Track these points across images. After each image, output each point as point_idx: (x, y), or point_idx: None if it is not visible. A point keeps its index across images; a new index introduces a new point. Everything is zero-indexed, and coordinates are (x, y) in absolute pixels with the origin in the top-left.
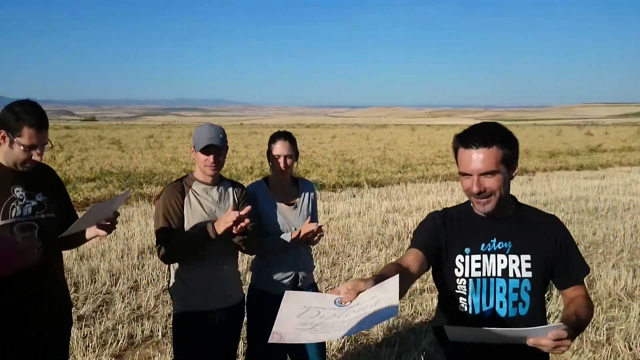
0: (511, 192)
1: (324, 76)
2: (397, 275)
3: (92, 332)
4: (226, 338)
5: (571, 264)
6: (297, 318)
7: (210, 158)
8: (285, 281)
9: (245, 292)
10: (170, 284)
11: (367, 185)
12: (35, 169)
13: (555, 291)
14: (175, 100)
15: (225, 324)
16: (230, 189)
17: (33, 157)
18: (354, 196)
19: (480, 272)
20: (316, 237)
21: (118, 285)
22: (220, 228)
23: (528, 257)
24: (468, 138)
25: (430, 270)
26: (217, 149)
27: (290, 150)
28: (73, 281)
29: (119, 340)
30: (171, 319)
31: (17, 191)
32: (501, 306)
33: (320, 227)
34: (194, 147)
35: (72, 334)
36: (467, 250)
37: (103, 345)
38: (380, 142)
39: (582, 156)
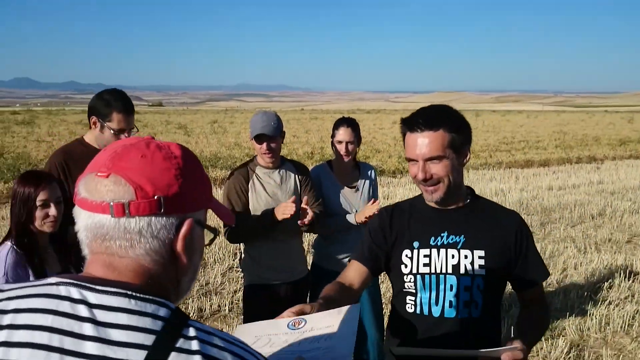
0: (577, 179)
1: (385, 61)
2: (358, 307)
3: None
4: None
5: (530, 264)
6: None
7: (264, 146)
8: (345, 260)
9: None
10: (241, 259)
11: None
12: None
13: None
14: (238, 86)
15: (291, 297)
16: (292, 172)
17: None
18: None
19: (428, 267)
20: None
21: None
22: (278, 217)
23: (482, 252)
24: (413, 121)
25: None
26: (268, 137)
27: (352, 136)
28: None
29: (189, 313)
30: (237, 295)
31: None
32: (451, 306)
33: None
34: (250, 136)
35: None
36: (415, 244)
37: None
38: None
39: None
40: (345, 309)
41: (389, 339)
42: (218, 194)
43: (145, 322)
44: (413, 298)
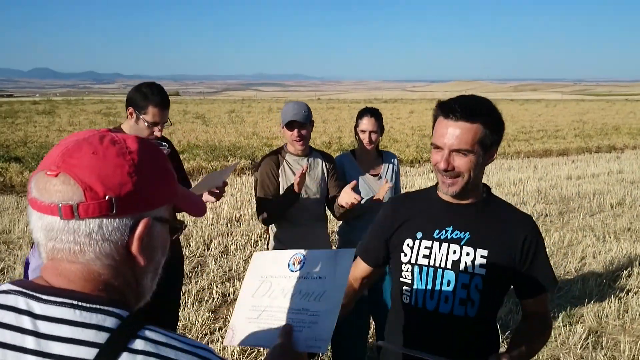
0: (596, 169)
1: (402, 50)
2: (352, 254)
3: (190, 290)
4: None
5: (536, 272)
6: (252, 299)
7: (295, 132)
8: None
9: None
10: (269, 245)
11: None
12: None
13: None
14: (255, 75)
15: None
16: (319, 160)
17: (155, 133)
18: (432, 172)
19: (427, 259)
20: None
21: (210, 249)
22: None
23: (485, 252)
24: (450, 107)
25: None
26: (299, 124)
27: (375, 126)
28: None
29: (214, 298)
30: None
31: None
32: (446, 301)
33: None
34: (281, 124)
35: None
36: (418, 234)
37: (200, 301)
38: None
39: None
40: (340, 253)
41: (387, 329)
42: (236, 182)
43: (89, 334)
44: (409, 289)
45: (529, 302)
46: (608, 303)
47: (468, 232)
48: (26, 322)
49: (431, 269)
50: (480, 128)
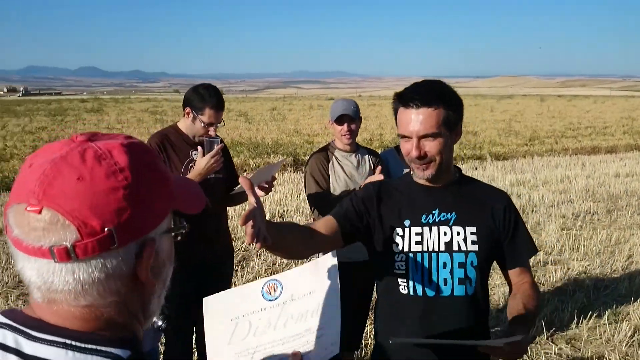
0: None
1: (445, 45)
2: (335, 257)
3: (236, 283)
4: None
5: (519, 242)
6: (230, 347)
7: (344, 127)
8: None
9: None
10: None
11: (490, 158)
12: None
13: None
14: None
15: (364, 276)
16: (366, 156)
17: (209, 132)
18: (476, 169)
19: (420, 245)
20: None
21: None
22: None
23: (474, 229)
24: (408, 97)
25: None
26: (349, 118)
27: None
28: None
29: None
30: None
31: (195, 154)
32: (445, 284)
33: None
34: (331, 119)
35: None
36: (406, 222)
37: None
38: (506, 113)
39: None
40: (320, 261)
41: (382, 323)
42: (278, 179)
43: None
44: (405, 280)
45: (516, 272)
46: None
47: (454, 212)
48: None
49: (425, 255)
50: (441, 110)
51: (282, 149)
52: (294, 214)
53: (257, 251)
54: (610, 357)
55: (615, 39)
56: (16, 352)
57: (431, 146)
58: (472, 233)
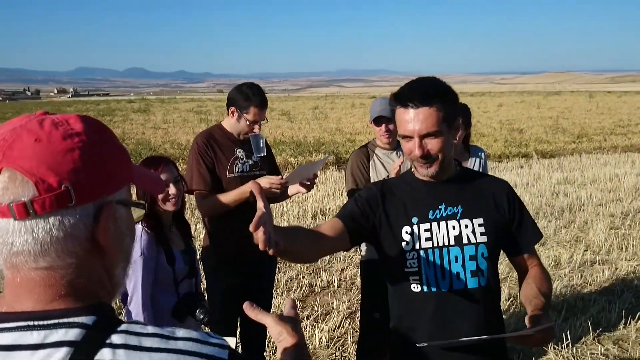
0: None
1: (489, 41)
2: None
3: (279, 280)
4: None
5: (524, 228)
6: None
7: (382, 128)
8: None
9: None
10: None
11: (536, 155)
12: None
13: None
14: (338, 71)
15: None
16: None
17: (254, 130)
18: (522, 167)
19: (430, 242)
20: None
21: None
22: (392, 174)
23: (481, 220)
24: (406, 97)
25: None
26: (387, 119)
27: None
28: None
29: (301, 288)
30: (344, 272)
31: (240, 152)
32: (458, 278)
33: None
34: (370, 119)
35: None
36: (414, 219)
37: (288, 290)
38: (553, 110)
39: None
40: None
41: (396, 322)
42: (320, 177)
43: (50, 354)
44: (417, 277)
45: (523, 258)
46: None
47: (460, 206)
48: None
49: (436, 250)
50: (439, 108)
51: (323, 147)
52: (336, 212)
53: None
54: None
55: None
56: None
57: (433, 144)
58: (479, 224)
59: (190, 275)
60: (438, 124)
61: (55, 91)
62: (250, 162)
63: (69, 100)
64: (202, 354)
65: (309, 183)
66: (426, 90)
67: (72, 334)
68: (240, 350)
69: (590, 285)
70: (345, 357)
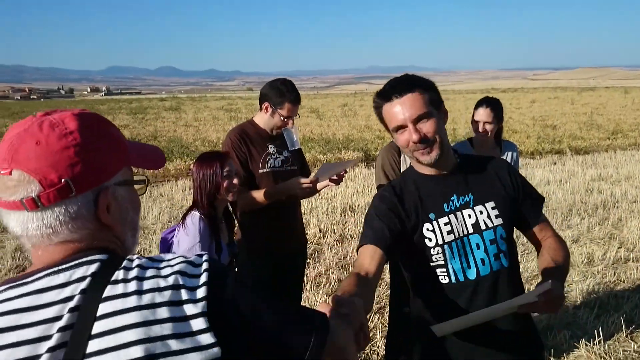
0: None
1: (522, 37)
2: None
3: (308, 275)
4: None
5: (531, 199)
6: None
7: None
8: None
9: None
10: None
11: (569, 152)
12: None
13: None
14: (367, 69)
15: None
16: None
17: (288, 125)
18: (555, 163)
19: (452, 235)
20: None
21: (326, 237)
22: None
23: (492, 203)
24: (389, 91)
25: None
26: None
27: (490, 117)
28: None
29: (330, 282)
30: None
31: (271, 148)
32: (484, 264)
33: None
34: None
35: None
36: (432, 216)
37: (317, 285)
38: (587, 106)
39: None
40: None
41: (424, 315)
42: (349, 174)
43: (76, 288)
44: (444, 270)
45: (538, 229)
46: None
47: (470, 193)
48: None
49: (458, 241)
50: (422, 92)
51: (352, 144)
52: (365, 209)
53: (329, 245)
54: None
55: None
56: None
57: (427, 127)
58: (492, 208)
59: (230, 267)
60: (426, 105)
61: (88, 90)
62: (282, 157)
63: (101, 98)
64: (188, 261)
65: (337, 178)
66: (404, 80)
67: (92, 269)
68: None
69: (623, 282)
70: (374, 351)
